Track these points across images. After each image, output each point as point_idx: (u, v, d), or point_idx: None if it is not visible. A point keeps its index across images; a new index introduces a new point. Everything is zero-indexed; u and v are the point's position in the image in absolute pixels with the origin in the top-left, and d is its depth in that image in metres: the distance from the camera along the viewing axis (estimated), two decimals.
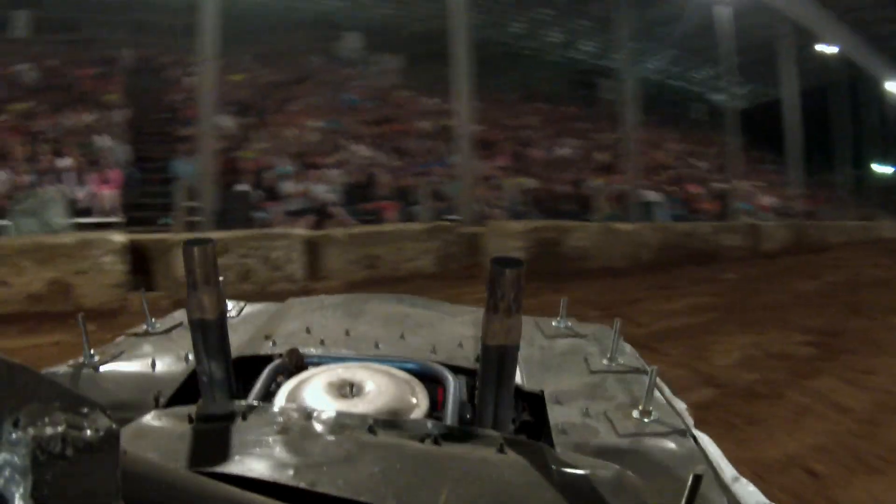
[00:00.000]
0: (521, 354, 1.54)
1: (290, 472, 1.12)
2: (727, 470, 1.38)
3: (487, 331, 1.43)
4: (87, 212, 12.43)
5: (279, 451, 1.20)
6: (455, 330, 2.25)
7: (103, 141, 13.79)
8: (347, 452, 1.20)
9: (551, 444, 1.46)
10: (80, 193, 12.58)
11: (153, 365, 1.91)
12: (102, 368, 1.86)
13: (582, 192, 17.86)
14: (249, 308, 2.60)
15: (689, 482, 1.03)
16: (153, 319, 2.29)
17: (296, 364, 1.84)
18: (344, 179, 13.94)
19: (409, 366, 1.85)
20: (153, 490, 0.76)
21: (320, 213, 12.70)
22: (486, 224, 12.94)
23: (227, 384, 1.69)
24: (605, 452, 1.40)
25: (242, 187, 12.87)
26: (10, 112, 15.23)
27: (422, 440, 1.28)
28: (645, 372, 1.85)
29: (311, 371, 1.76)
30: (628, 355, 2.04)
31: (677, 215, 18.92)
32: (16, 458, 0.60)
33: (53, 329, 7.66)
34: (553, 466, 1.23)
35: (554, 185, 17.85)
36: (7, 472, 0.60)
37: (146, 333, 2.20)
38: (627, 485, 1.23)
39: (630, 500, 1.20)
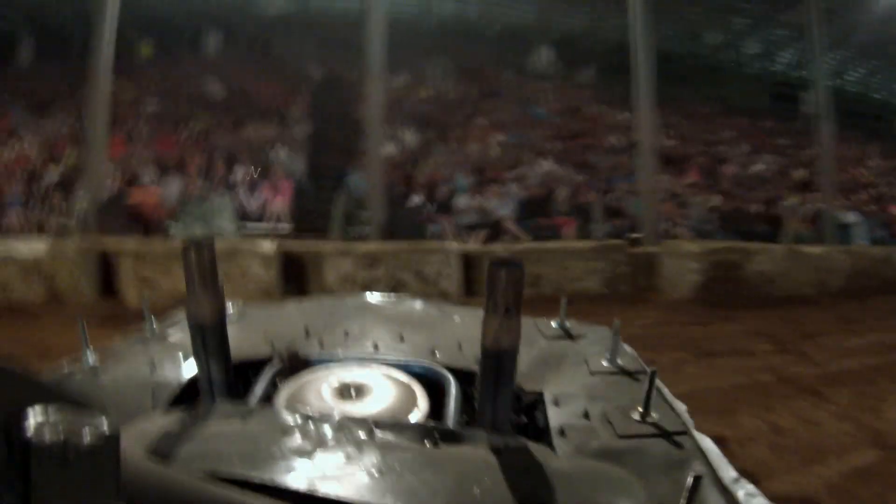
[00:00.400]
0: (521, 356, 1.53)
1: (290, 474, 1.14)
2: (727, 471, 1.35)
3: (487, 332, 1.43)
4: (256, 220, 12.64)
5: (279, 452, 1.21)
6: (455, 331, 2.23)
7: (279, 153, 13.98)
8: (347, 454, 1.22)
9: (551, 446, 1.47)
10: (251, 203, 12.76)
11: (153, 367, 1.90)
12: (102, 370, 1.85)
13: (774, 211, 16.35)
14: (249, 310, 2.59)
15: (689, 483, 1.10)
16: (153, 321, 2.29)
17: (295, 366, 1.87)
18: (522, 194, 13.33)
19: (409, 367, 1.86)
20: (153, 491, 0.80)
21: (494, 228, 12.14)
22: (662, 244, 11.91)
23: (227, 386, 1.71)
24: (604, 454, 1.41)
25: (416, 200, 12.59)
26: (193, 126, 15.97)
27: (421, 442, 1.30)
28: (645, 373, 1.84)
29: (311, 373, 1.80)
30: (628, 357, 2.01)
31: (876, 238, 16.87)
32: (17, 460, 0.61)
33: None
34: (553, 468, 1.25)
35: (745, 203, 16.47)
36: (8, 474, 0.61)
37: (146, 335, 2.20)
38: (627, 486, 1.24)
39: (630, 501, 1.20)
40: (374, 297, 2.94)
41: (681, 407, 1.68)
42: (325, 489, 1.10)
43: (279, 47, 20.64)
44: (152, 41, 21.55)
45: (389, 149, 14.83)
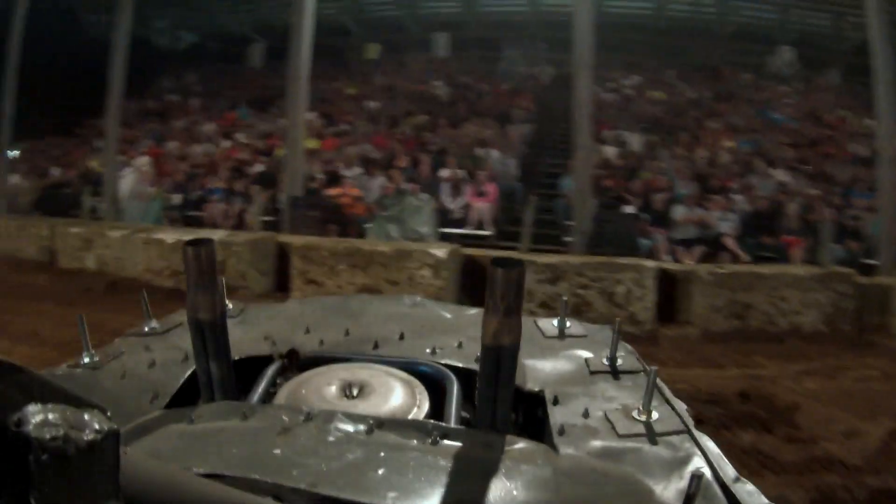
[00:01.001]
0: (521, 355, 1.49)
1: (291, 473, 1.13)
2: (727, 470, 1.32)
3: (487, 331, 1.39)
4: (458, 223, 11.82)
5: (280, 451, 1.21)
6: (455, 330, 2.17)
7: (491, 154, 13.20)
8: (347, 453, 1.22)
9: (551, 445, 1.42)
10: (454, 205, 12.01)
11: (153, 365, 1.87)
12: (102, 369, 1.84)
13: None
14: (250, 308, 2.51)
15: (690, 482, 1.11)
16: (153, 320, 2.25)
17: (296, 365, 1.87)
18: (747, 207, 11.49)
19: (410, 366, 1.84)
20: (153, 491, 0.77)
21: (712, 245, 10.50)
22: None
23: (228, 385, 1.67)
24: (604, 453, 1.39)
25: (629, 209, 11.12)
26: (409, 124, 15.62)
27: (422, 440, 1.30)
28: (645, 372, 1.80)
29: (311, 372, 1.78)
30: (628, 356, 1.93)
31: None
32: (17, 458, 0.60)
33: None
34: (553, 467, 1.25)
35: None
36: (8, 472, 0.60)
37: (146, 334, 2.16)
38: (628, 485, 1.24)
39: (630, 500, 1.21)
40: (374, 297, 2.93)
41: (681, 406, 1.63)
42: (326, 488, 1.09)
43: (508, 47, 20.06)
44: (380, 43, 21.93)
45: (609, 152, 13.48)
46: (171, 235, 9.64)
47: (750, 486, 1.28)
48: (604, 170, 12.40)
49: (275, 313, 2.46)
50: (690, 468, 1.25)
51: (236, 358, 1.80)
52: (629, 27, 19.07)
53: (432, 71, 19.40)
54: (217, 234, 9.35)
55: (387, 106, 17.17)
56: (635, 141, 14.07)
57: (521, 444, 1.34)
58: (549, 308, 7.06)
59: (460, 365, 1.89)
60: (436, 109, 16.29)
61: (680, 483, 1.21)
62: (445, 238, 11.41)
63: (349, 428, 1.32)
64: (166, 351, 1.98)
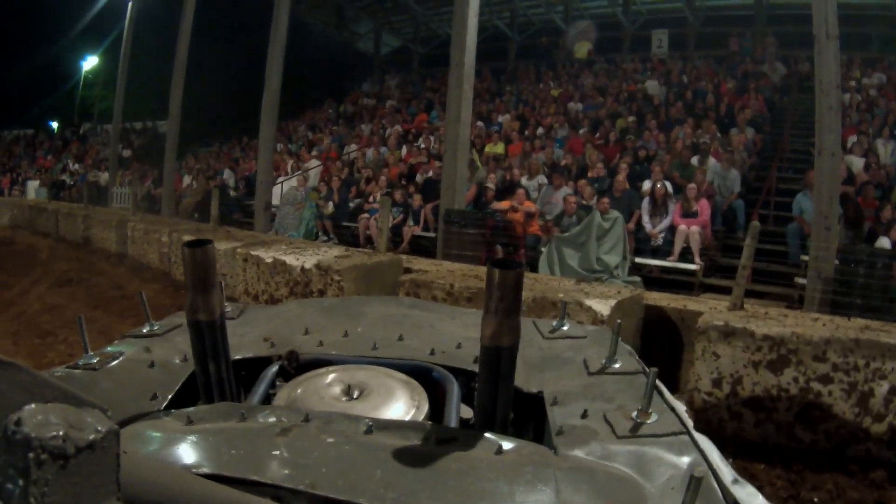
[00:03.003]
0: (520, 356, 1.51)
1: (290, 474, 1.13)
2: (726, 472, 1.30)
3: (486, 332, 1.40)
4: (658, 251, 9.36)
5: (278, 452, 1.21)
6: (454, 331, 2.18)
7: (708, 163, 10.39)
8: (346, 454, 1.22)
9: (550, 446, 1.41)
10: (656, 227, 9.38)
11: (152, 366, 1.86)
12: (102, 370, 1.81)
13: None
14: (249, 310, 2.52)
15: (689, 484, 1.06)
16: (153, 321, 2.24)
17: (295, 366, 1.85)
18: None
19: (408, 367, 1.85)
20: (152, 491, 0.77)
21: None
22: None
23: (227, 386, 1.69)
24: (603, 454, 1.35)
25: (884, 243, 7.90)
26: (614, 127, 13.43)
27: (420, 442, 1.30)
28: (644, 373, 1.77)
29: (311, 373, 1.78)
30: (627, 357, 1.90)
31: None
32: (17, 458, 0.61)
33: None
34: (551, 468, 1.24)
35: None
36: (8, 471, 0.61)
37: (146, 335, 2.16)
38: (626, 486, 1.23)
39: (629, 501, 1.19)
40: (373, 299, 3.00)
41: (680, 407, 1.59)
42: (325, 489, 1.08)
43: (733, 44, 17.61)
44: (592, 42, 20.37)
45: (856, 164, 10.27)
46: (269, 254, 7.70)
47: (749, 488, 1.27)
48: (849, 186, 9.28)
49: (274, 315, 2.44)
50: (689, 469, 1.22)
51: (235, 359, 1.82)
52: (866, 19, 16.35)
53: (648, 70, 17.16)
54: (327, 257, 7.27)
55: (591, 107, 15.08)
56: (887, 150, 10.75)
57: (520, 446, 1.32)
58: (762, 409, 4.34)
59: (459, 366, 1.88)
60: (646, 110, 13.91)
61: (679, 485, 1.18)
62: (638, 271, 8.84)
63: (348, 429, 1.31)
64: (166, 352, 1.97)
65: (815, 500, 4.05)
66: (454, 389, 1.74)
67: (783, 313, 5.07)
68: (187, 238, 7.49)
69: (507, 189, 10.67)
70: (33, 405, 0.65)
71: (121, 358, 1.90)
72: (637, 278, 8.49)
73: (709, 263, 9.05)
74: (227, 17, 22.15)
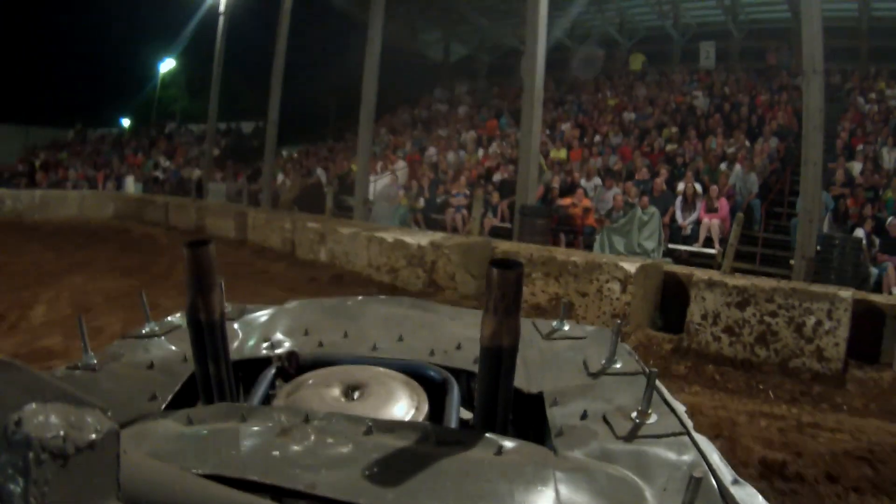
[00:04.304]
0: (520, 356, 1.51)
1: (290, 475, 1.13)
2: (726, 473, 1.31)
3: (486, 332, 1.41)
4: (688, 239, 11.50)
5: (279, 453, 1.21)
6: (454, 331, 2.19)
7: (733, 169, 12.56)
8: (346, 455, 1.22)
9: (550, 447, 1.41)
10: (686, 220, 11.60)
11: (152, 367, 1.87)
12: (102, 370, 1.83)
13: None
14: (249, 310, 2.51)
15: (689, 485, 1.05)
16: (153, 321, 2.24)
17: (294, 366, 1.84)
18: None
19: (409, 368, 1.84)
20: (152, 491, 0.77)
21: None
22: None
23: (226, 386, 1.68)
24: (603, 455, 1.36)
25: (859, 232, 9.96)
26: (659, 136, 15.43)
27: (420, 443, 1.29)
28: (644, 374, 1.79)
29: (310, 374, 1.76)
30: (627, 357, 1.93)
31: None
32: (17, 457, 0.61)
33: None
34: (551, 469, 1.24)
35: None
36: (8, 471, 0.61)
37: (145, 336, 2.15)
38: (626, 487, 1.23)
39: (628, 502, 1.19)
40: (373, 299, 2.93)
41: (680, 408, 1.62)
42: (325, 490, 1.08)
43: (772, 57, 19.12)
44: (645, 54, 21.91)
45: (856, 168, 12.36)
46: (390, 234, 10.23)
47: (749, 489, 1.28)
48: (846, 188, 11.38)
49: (274, 315, 2.46)
50: (689, 470, 1.22)
51: (235, 359, 1.84)
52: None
53: (696, 81, 18.97)
54: (434, 237, 9.81)
55: (642, 117, 17.06)
56: (891, 156, 12.66)
57: (519, 446, 1.33)
58: (733, 334, 6.66)
59: (459, 366, 1.91)
60: (689, 121, 15.91)
61: (678, 485, 1.19)
62: (671, 254, 11.10)
63: (348, 430, 1.31)
64: (165, 353, 2.00)
65: (765, 389, 6.34)
66: (454, 390, 1.75)
67: (749, 276, 7.46)
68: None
69: (569, 188, 12.90)
70: (33, 405, 0.66)
71: (121, 358, 1.93)
72: (669, 259, 10.52)
73: (724, 249, 11.17)
74: (312, 25, 23.25)
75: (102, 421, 0.68)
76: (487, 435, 1.35)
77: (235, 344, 2.01)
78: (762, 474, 4.59)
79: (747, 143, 13.73)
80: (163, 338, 2.14)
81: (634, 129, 16.44)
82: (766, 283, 6.77)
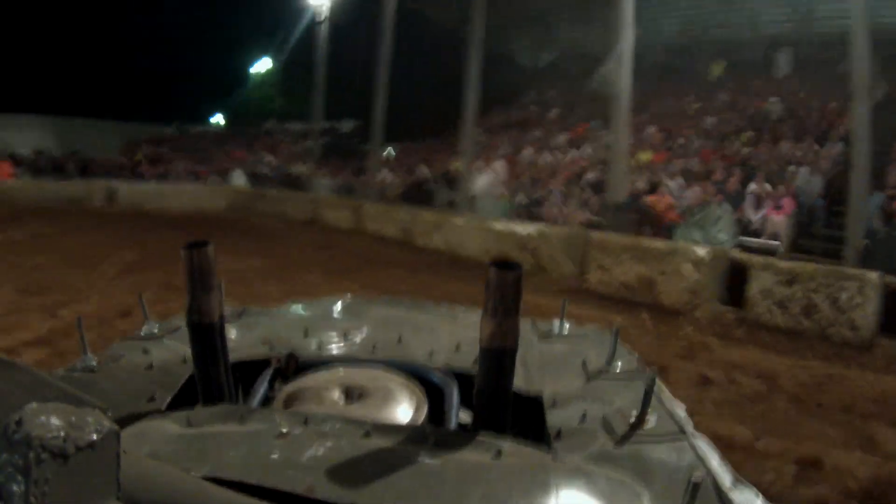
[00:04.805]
0: (519, 357, 1.54)
1: (288, 477, 1.14)
2: (726, 475, 1.33)
3: (486, 333, 1.44)
4: (756, 233, 12.90)
5: (277, 455, 1.22)
6: (453, 333, 2.21)
7: (798, 172, 14.06)
8: (345, 457, 1.22)
9: (549, 448, 1.44)
10: (755, 216, 13.16)
11: (151, 368, 1.90)
12: (101, 371, 1.85)
13: None
14: (249, 312, 2.58)
15: (688, 488, 1.07)
16: (152, 322, 2.28)
17: (294, 368, 1.87)
18: None
19: (407, 369, 1.86)
20: (152, 491, 0.77)
21: None
22: None
23: (226, 388, 1.71)
24: (602, 457, 1.38)
25: None
26: (735, 140, 16.89)
27: (419, 445, 1.29)
28: (644, 375, 1.76)
29: (310, 375, 1.80)
30: (627, 359, 1.98)
31: None
32: (17, 457, 0.62)
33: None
34: (550, 471, 1.25)
35: None
36: (8, 470, 0.62)
37: (145, 337, 2.19)
38: (624, 490, 1.23)
39: None
40: (373, 300, 2.92)
41: (680, 410, 1.67)
42: (324, 492, 1.10)
43: (841, 64, 19.77)
44: (723, 61, 22.87)
45: None
46: (500, 225, 12.20)
47: (748, 491, 1.29)
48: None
49: (273, 317, 2.49)
50: (688, 472, 1.22)
51: (234, 361, 1.82)
52: None
53: (772, 88, 20.05)
54: (538, 227, 11.98)
55: (721, 123, 18.46)
56: None
57: (518, 448, 1.33)
58: (782, 307, 8.40)
59: (458, 368, 1.90)
60: (764, 127, 17.28)
61: (678, 487, 1.18)
62: (740, 245, 12.69)
63: (347, 432, 1.32)
64: (165, 354, 1.98)
65: (804, 350, 7.91)
66: (453, 391, 1.76)
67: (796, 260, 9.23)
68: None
69: (653, 187, 14.49)
70: (34, 405, 0.66)
71: (120, 360, 1.94)
72: (737, 249, 12.05)
73: (791, 244, 12.55)
74: (411, 26, 24.24)
75: (103, 421, 0.69)
76: (486, 437, 1.36)
77: (235, 345, 1.97)
78: (789, 401, 6.12)
79: (815, 148, 15.14)
80: (162, 339, 2.15)
81: (714, 133, 17.89)
82: (809, 266, 8.54)
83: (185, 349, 1.82)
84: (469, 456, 1.28)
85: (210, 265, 1.60)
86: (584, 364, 1.94)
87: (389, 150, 26.54)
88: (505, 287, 1.38)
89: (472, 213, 15.58)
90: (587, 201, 15.13)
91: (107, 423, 0.69)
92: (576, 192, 14.92)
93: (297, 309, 2.70)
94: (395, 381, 1.76)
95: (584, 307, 9.10)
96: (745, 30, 22.63)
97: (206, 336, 1.64)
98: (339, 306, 2.71)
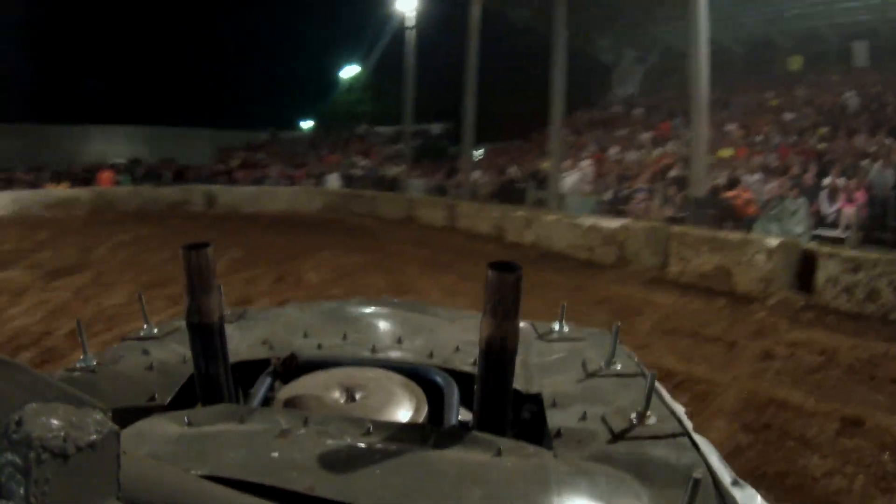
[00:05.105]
0: (519, 357, 1.56)
1: (289, 476, 1.14)
2: (725, 474, 1.35)
3: (485, 334, 1.44)
4: (831, 226, 13.66)
5: (277, 454, 1.23)
6: (453, 334, 2.23)
7: (872, 165, 14.61)
8: (345, 456, 1.23)
9: (549, 448, 1.43)
10: (829, 209, 13.86)
11: (151, 368, 1.89)
12: (102, 371, 1.85)
13: None
14: (248, 313, 2.59)
15: (689, 486, 1.06)
16: (152, 323, 2.28)
17: (294, 368, 1.86)
18: None
19: (407, 369, 1.87)
20: (152, 491, 0.78)
21: None
22: None
23: (226, 388, 1.72)
24: (602, 456, 1.38)
25: None
26: (813, 135, 17.48)
27: (419, 444, 1.30)
28: (643, 376, 1.81)
29: (310, 376, 1.80)
30: (627, 359, 1.98)
31: None
32: (17, 457, 0.62)
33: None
34: (550, 470, 1.24)
35: None
36: (9, 470, 0.63)
37: (145, 337, 2.18)
38: (625, 489, 1.23)
39: (628, 503, 1.19)
40: (373, 301, 2.92)
41: (679, 409, 1.65)
42: (323, 491, 1.10)
43: None
44: (802, 54, 23.35)
45: None
46: (587, 220, 13.40)
47: (748, 490, 1.30)
48: None
49: (273, 317, 2.49)
50: (688, 471, 1.19)
51: (234, 361, 1.86)
52: None
53: (849, 82, 20.44)
54: (623, 222, 13.25)
55: (799, 118, 19.08)
56: None
57: (518, 448, 1.34)
58: (848, 293, 9.34)
59: (458, 368, 1.92)
60: (840, 121, 17.82)
61: (678, 487, 1.17)
62: (815, 237, 13.52)
63: (347, 432, 1.32)
64: (165, 355, 2.01)
65: (867, 332, 8.70)
66: (453, 392, 1.76)
67: (861, 251, 10.20)
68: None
69: (733, 182, 15.29)
70: (34, 405, 0.66)
71: (120, 360, 1.94)
72: (811, 241, 12.77)
73: (863, 236, 13.12)
74: (497, 29, 25.09)
75: (103, 421, 0.68)
76: (486, 436, 1.37)
77: (235, 345, 1.99)
78: (844, 373, 6.81)
79: (888, 141, 15.64)
80: (162, 340, 2.16)
81: (791, 128, 18.52)
82: (873, 254, 9.47)
83: (186, 350, 1.84)
84: (469, 455, 1.28)
85: (209, 266, 1.63)
86: (583, 364, 1.95)
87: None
88: (505, 288, 1.40)
89: (561, 210, 16.74)
90: (671, 197, 16.11)
91: (107, 424, 0.69)
92: (660, 189, 15.82)
93: (297, 310, 2.69)
94: (395, 381, 1.77)
95: (666, 296, 10.25)
96: (821, 21, 22.73)
97: (206, 336, 1.67)
98: (338, 307, 2.73)
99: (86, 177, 29.62)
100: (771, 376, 6.72)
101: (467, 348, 2.04)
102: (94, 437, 0.66)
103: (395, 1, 26.64)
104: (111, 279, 11.63)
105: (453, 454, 1.28)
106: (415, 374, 1.84)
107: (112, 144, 40.23)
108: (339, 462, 1.21)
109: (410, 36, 26.09)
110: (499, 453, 1.29)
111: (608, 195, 17.69)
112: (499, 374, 1.48)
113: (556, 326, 2.33)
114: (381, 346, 2.10)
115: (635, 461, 1.34)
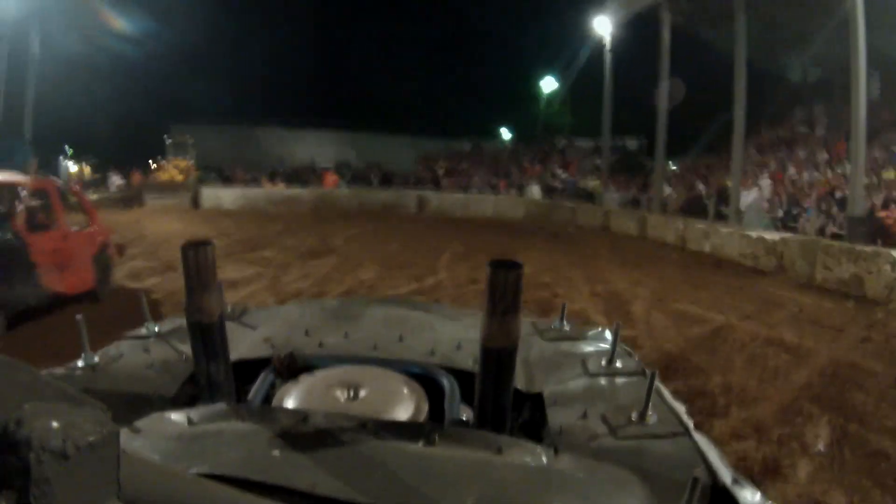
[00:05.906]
0: (520, 356, 1.60)
1: (290, 475, 1.15)
2: (726, 472, 1.33)
3: (486, 333, 1.46)
4: None
5: (278, 453, 1.24)
6: (454, 332, 2.23)
7: None
8: (346, 455, 1.24)
9: (549, 446, 1.40)
10: None
11: (152, 367, 1.90)
12: (101, 370, 1.85)
13: None
14: (250, 311, 2.59)
15: (689, 485, 1.07)
16: (153, 322, 2.28)
17: (294, 367, 1.87)
18: None
19: (409, 368, 1.89)
20: (153, 491, 0.77)
21: None
22: None
23: (226, 386, 1.74)
24: (603, 454, 1.39)
25: None
26: None
27: (420, 442, 1.30)
28: (644, 375, 1.83)
29: (310, 374, 1.83)
30: (627, 358, 1.99)
31: None
32: (17, 457, 0.61)
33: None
34: (551, 468, 1.27)
35: None
36: (9, 470, 0.62)
37: (145, 336, 2.19)
38: (626, 487, 1.24)
39: (628, 502, 1.21)
40: (373, 300, 2.65)
41: (680, 408, 1.65)
42: (324, 489, 1.10)
43: None
44: None
45: None
46: (755, 232, 16.48)
47: (749, 489, 1.29)
48: None
49: (274, 316, 2.51)
50: (689, 470, 1.18)
51: (235, 360, 1.86)
52: None
53: None
54: (783, 235, 15.96)
55: None
56: None
57: (519, 446, 1.34)
58: None
59: (459, 367, 1.92)
60: None
61: (678, 485, 1.16)
62: None
63: (348, 430, 1.31)
64: (165, 353, 2.00)
65: None
66: (454, 390, 1.77)
67: None
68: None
69: (886, 203, 16.93)
70: (34, 405, 0.65)
71: (120, 358, 1.93)
72: None
73: None
74: (688, 49, 25.39)
75: (103, 421, 0.68)
76: (487, 435, 1.39)
77: (235, 344, 1.98)
78: None
79: None
80: (162, 338, 2.15)
81: None
82: None
83: (186, 348, 1.85)
84: (470, 453, 1.28)
85: (210, 264, 1.62)
86: (584, 363, 1.95)
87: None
88: (505, 286, 1.41)
89: (735, 224, 19.07)
90: (834, 217, 18.01)
91: (107, 424, 0.68)
92: (825, 208, 18.04)
93: (298, 308, 2.68)
94: (395, 379, 1.78)
95: (806, 296, 12.39)
96: None
97: (207, 335, 1.66)
98: (340, 306, 2.73)
99: (302, 177, 33.90)
100: (858, 353, 8.19)
101: (468, 346, 2.04)
102: (93, 437, 0.65)
103: (593, 22, 28.25)
104: (357, 261, 14.48)
105: (454, 452, 1.28)
106: (416, 373, 1.86)
107: (320, 147, 43.78)
108: (340, 460, 1.22)
109: (607, 57, 27.73)
110: (499, 451, 1.29)
111: (780, 213, 19.66)
112: (499, 373, 1.50)
113: (557, 325, 2.36)
114: (382, 344, 2.09)
115: (636, 460, 1.37)
